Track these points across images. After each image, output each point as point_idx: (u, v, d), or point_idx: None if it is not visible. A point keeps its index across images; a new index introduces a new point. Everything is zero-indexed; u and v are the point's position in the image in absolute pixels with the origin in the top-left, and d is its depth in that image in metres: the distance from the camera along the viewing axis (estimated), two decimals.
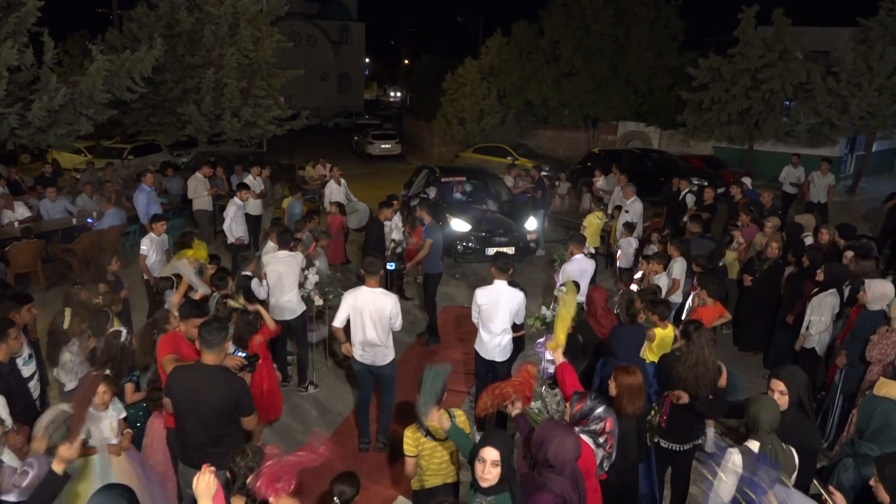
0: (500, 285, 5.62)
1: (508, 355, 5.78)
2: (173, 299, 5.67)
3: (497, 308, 5.57)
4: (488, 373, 5.82)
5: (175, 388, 3.80)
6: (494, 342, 5.65)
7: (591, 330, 5.47)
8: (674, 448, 4.56)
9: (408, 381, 6.64)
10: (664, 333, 5.45)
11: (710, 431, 5.74)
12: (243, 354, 4.70)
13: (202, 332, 3.80)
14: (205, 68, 15.78)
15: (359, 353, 5.48)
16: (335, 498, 3.20)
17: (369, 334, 5.36)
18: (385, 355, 5.50)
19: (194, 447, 3.80)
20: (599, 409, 3.55)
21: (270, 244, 7.14)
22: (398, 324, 5.51)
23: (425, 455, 3.75)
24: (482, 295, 5.63)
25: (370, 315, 5.33)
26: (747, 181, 11.70)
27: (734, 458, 3.35)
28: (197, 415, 3.73)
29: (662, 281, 6.97)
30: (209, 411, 3.73)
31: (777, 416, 3.40)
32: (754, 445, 3.37)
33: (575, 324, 5.85)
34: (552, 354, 4.36)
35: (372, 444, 5.77)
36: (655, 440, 4.55)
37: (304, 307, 6.73)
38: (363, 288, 5.44)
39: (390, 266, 8.37)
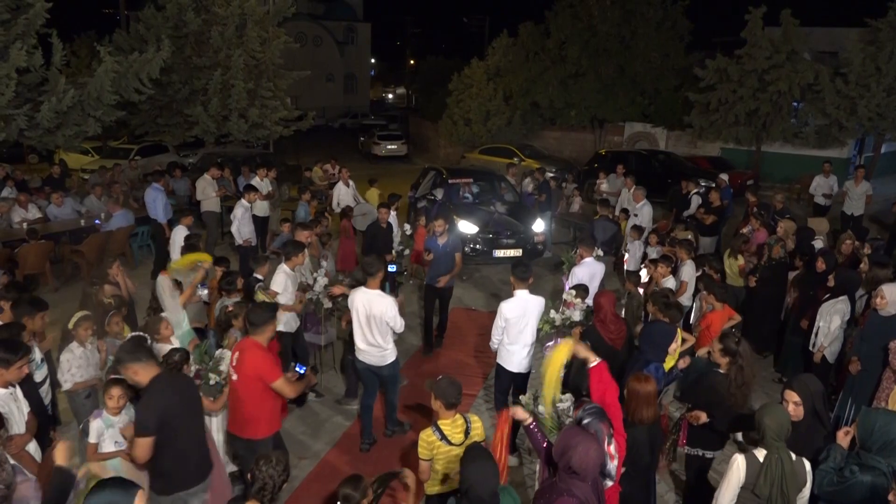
0: (524, 295, 5.38)
1: (531, 366, 5.63)
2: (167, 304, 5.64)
3: (527, 319, 5.36)
4: (510, 386, 5.65)
5: None
6: (523, 354, 5.44)
7: (599, 335, 5.42)
8: (706, 455, 4.46)
9: (419, 384, 6.67)
10: None
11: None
12: (303, 369, 4.73)
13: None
14: (212, 69, 15.83)
15: (361, 353, 5.49)
16: (339, 503, 3.19)
17: (367, 335, 5.37)
18: (384, 357, 5.46)
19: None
20: (586, 421, 3.49)
21: None
22: (398, 326, 5.38)
23: (440, 459, 3.73)
24: (509, 308, 5.31)
25: (366, 316, 5.32)
26: (724, 178, 11.63)
27: (738, 463, 3.33)
28: None
29: (670, 283, 6.93)
30: None
31: (785, 425, 3.33)
32: (760, 454, 3.32)
33: (583, 329, 5.83)
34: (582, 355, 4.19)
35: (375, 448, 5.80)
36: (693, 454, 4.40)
37: (296, 323, 6.54)
38: (362, 289, 5.42)
39: (391, 268, 8.30)
